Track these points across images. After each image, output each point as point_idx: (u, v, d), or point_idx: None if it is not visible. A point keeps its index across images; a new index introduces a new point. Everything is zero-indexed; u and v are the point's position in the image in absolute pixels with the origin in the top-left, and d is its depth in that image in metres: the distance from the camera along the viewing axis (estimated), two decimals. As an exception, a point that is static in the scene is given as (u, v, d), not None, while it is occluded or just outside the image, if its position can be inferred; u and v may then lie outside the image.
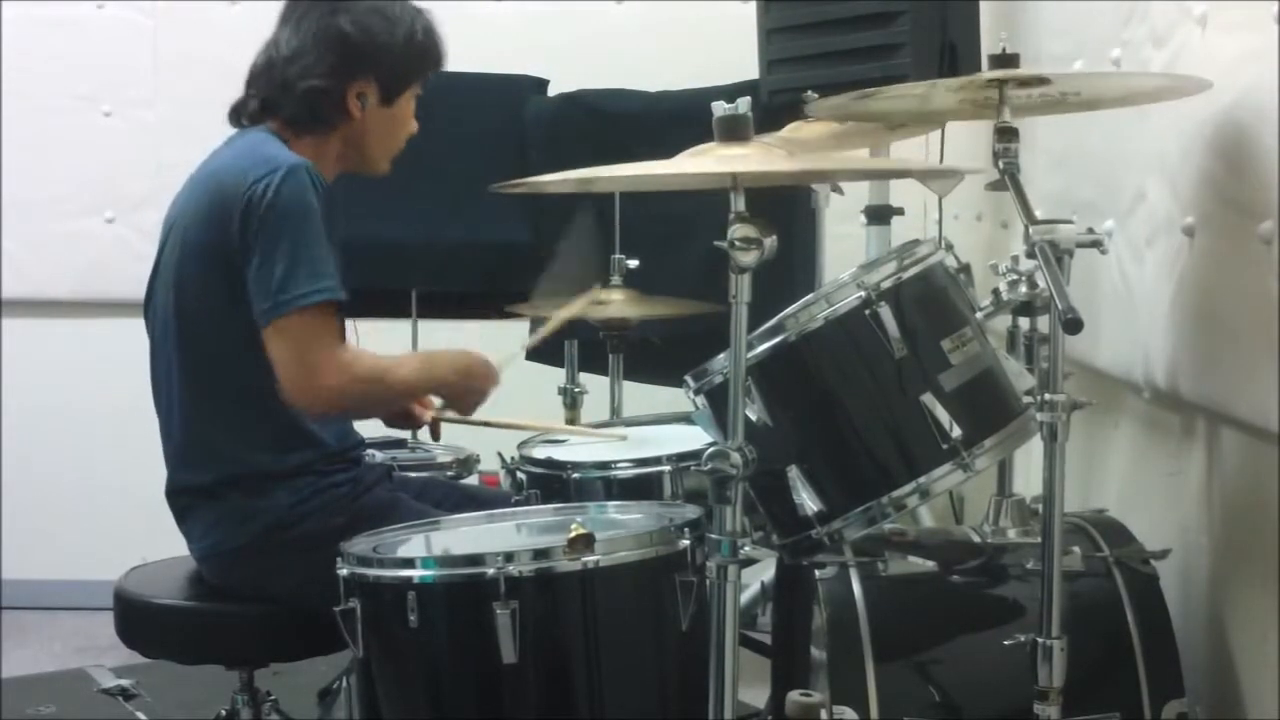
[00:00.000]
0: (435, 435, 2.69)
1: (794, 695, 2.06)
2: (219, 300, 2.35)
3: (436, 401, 2.64)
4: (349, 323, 2.47)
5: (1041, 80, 2.07)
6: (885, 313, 2.09)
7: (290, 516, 2.38)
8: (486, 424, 2.69)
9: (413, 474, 2.89)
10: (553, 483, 2.56)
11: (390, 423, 2.74)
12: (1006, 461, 2.35)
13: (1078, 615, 2.07)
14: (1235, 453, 2.27)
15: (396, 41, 2.47)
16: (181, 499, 2.46)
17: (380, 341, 2.86)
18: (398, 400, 2.54)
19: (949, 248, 2.24)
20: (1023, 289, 2.20)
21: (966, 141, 3.02)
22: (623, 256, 3.12)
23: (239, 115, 2.51)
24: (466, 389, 2.52)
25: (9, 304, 4.62)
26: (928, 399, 2.10)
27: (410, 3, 2.54)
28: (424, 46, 2.52)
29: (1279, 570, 2.07)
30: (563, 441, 2.80)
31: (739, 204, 1.91)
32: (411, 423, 2.70)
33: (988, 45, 3.12)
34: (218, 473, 2.40)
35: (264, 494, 2.38)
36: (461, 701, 2.08)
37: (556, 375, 3.40)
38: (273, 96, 2.46)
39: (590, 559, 2.03)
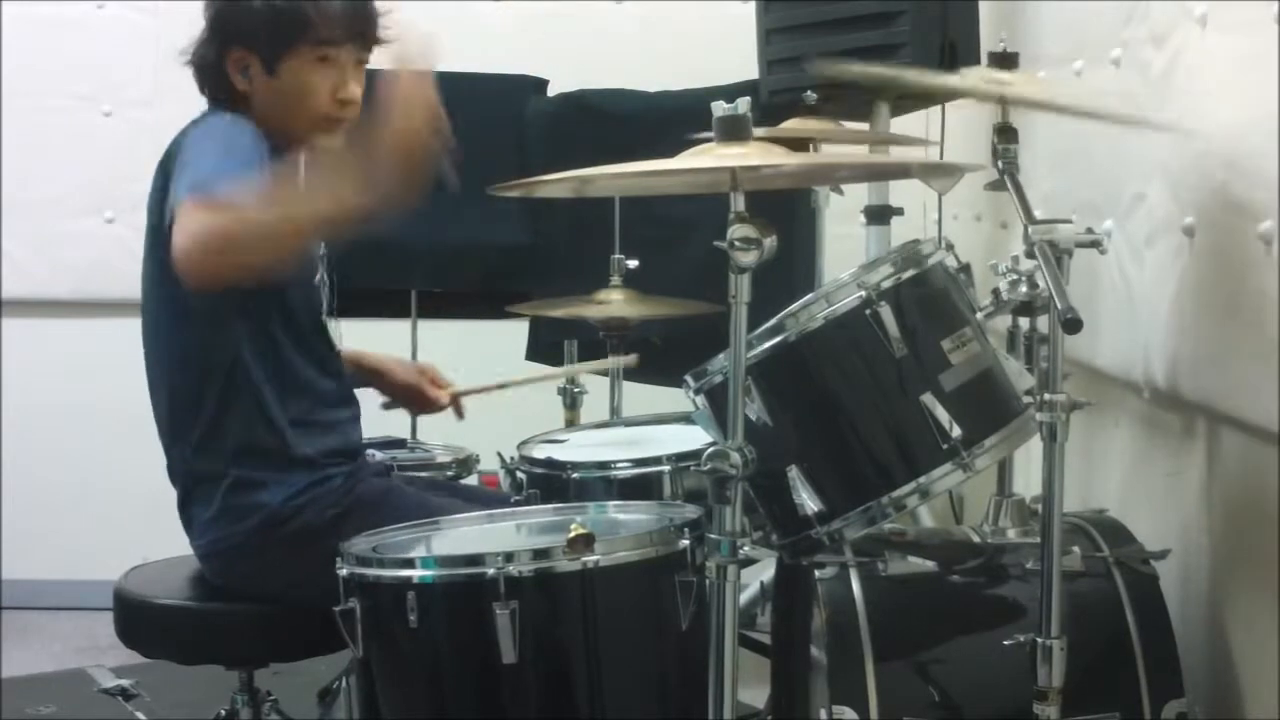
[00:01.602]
0: (459, 413, 2.67)
1: None
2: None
3: (452, 384, 2.61)
4: (334, 322, 2.46)
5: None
6: (885, 313, 2.09)
7: (286, 510, 2.37)
8: (503, 386, 2.66)
9: (412, 474, 2.89)
10: (553, 483, 2.56)
11: (411, 409, 2.74)
12: (1006, 461, 2.35)
13: (1077, 615, 2.07)
14: (1235, 453, 2.27)
15: (259, 7, 2.40)
16: (181, 495, 2.46)
17: (380, 341, 2.88)
18: (305, 229, 2.15)
19: (949, 248, 2.24)
20: (1023, 289, 2.20)
21: (966, 140, 3.03)
22: (622, 256, 3.12)
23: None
24: (386, 188, 2.04)
25: (9, 304, 4.62)
26: (928, 399, 2.10)
27: None
28: (295, 9, 2.39)
29: (1279, 570, 2.07)
30: (563, 441, 2.81)
31: (739, 204, 1.91)
32: (430, 406, 2.70)
33: (988, 45, 3.12)
34: (213, 465, 2.39)
35: (259, 489, 2.38)
36: (461, 701, 2.08)
37: (545, 372, 3.40)
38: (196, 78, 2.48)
39: (590, 559, 2.03)
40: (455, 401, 2.74)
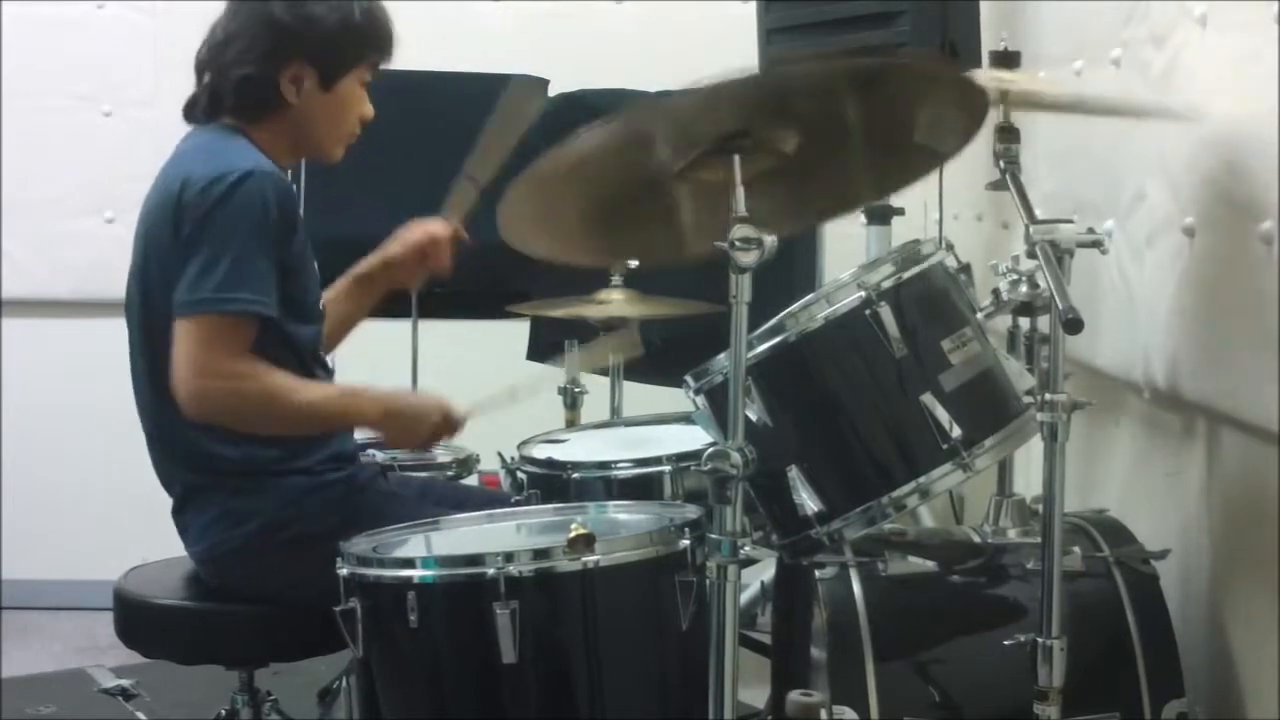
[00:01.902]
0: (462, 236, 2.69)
1: (794, 695, 2.06)
2: None
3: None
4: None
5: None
6: (885, 313, 2.09)
7: (284, 517, 2.37)
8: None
9: (412, 474, 2.89)
10: (553, 483, 2.55)
11: (430, 265, 2.75)
12: (1006, 461, 2.35)
13: (1078, 615, 2.07)
14: (1235, 453, 2.27)
15: (331, 24, 2.41)
16: (174, 502, 2.45)
17: (380, 341, 2.87)
18: (303, 427, 2.41)
19: (949, 248, 2.24)
20: (1023, 289, 2.20)
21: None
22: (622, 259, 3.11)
23: (193, 109, 2.48)
24: (397, 431, 2.46)
25: (9, 304, 4.62)
26: (928, 399, 2.10)
27: None
28: (363, 29, 2.44)
29: (1279, 570, 2.07)
30: (563, 441, 2.80)
31: (739, 204, 1.91)
32: (442, 254, 2.73)
33: (988, 45, 3.12)
34: (208, 473, 2.39)
35: (255, 494, 2.37)
36: (461, 701, 2.08)
37: (556, 375, 3.40)
38: (215, 86, 2.44)
39: (590, 559, 2.03)
40: (456, 232, 2.72)
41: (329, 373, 2.53)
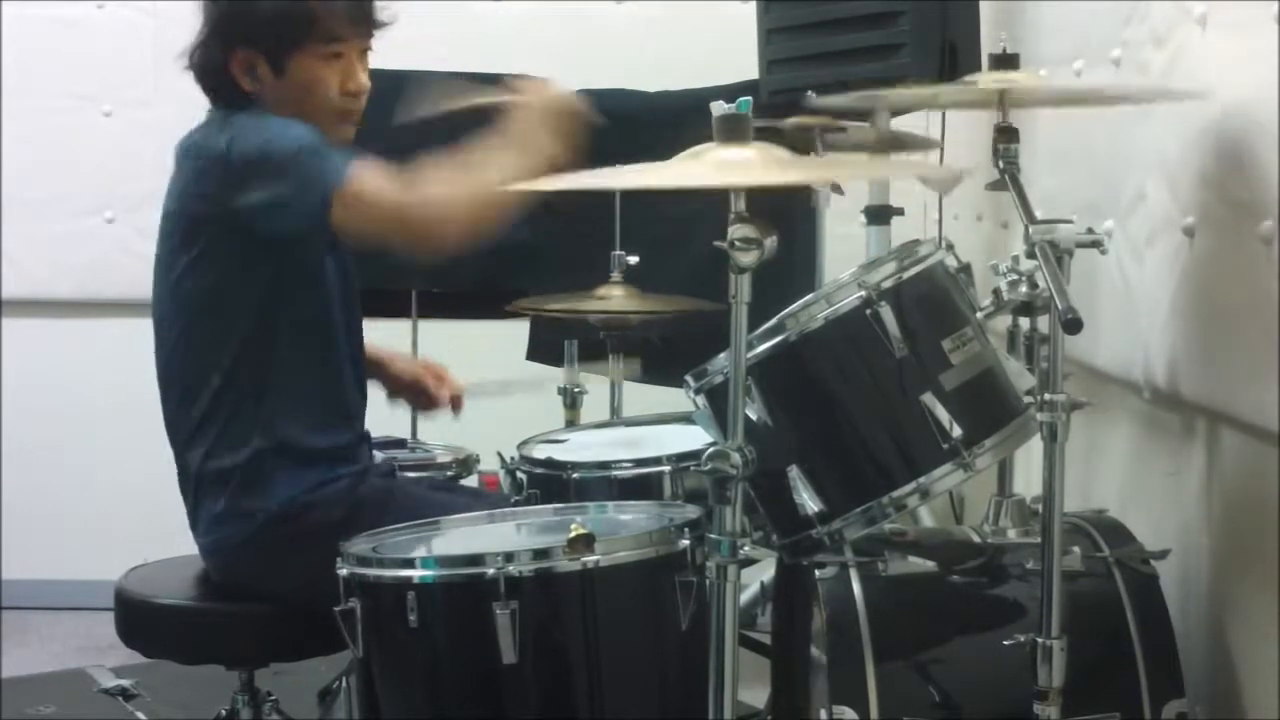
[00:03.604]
0: (456, 409, 2.68)
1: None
2: (213, 282, 2.35)
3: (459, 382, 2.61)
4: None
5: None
6: (885, 313, 2.09)
7: (292, 509, 2.38)
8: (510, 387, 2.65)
9: (413, 474, 2.89)
10: (553, 483, 2.55)
11: (413, 404, 2.75)
12: (1006, 461, 2.35)
13: (1078, 615, 2.07)
14: (1235, 453, 2.27)
15: (266, 7, 2.40)
16: (189, 491, 2.46)
17: (380, 342, 2.87)
18: (496, 195, 2.27)
19: (949, 248, 2.23)
20: (1023, 289, 2.20)
21: (966, 140, 3.02)
22: (623, 254, 3.12)
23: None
24: (541, 137, 2.38)
25: (9, 304, 4.62)
26: (928, 399, 2.10)
27: None
28: (304, 9, 2.40)
29: (1279, 570, 2.07)
30: (563, 441, 2.80)
31: (739, 204, 1.91)
32: (431, 404, 2.71)
33: (988, 45, 3.12)
34: (223, 462, 2.39)
35: (268, 487, 2.38)
36: (461, 701, 2.08)
37: (556, 375, 3.40)
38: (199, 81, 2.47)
39: (590, 559, 2.03)
40: (456, 401, 2.74)
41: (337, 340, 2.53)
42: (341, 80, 2.44)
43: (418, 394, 2.78)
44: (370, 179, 2.28)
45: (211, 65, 2.42)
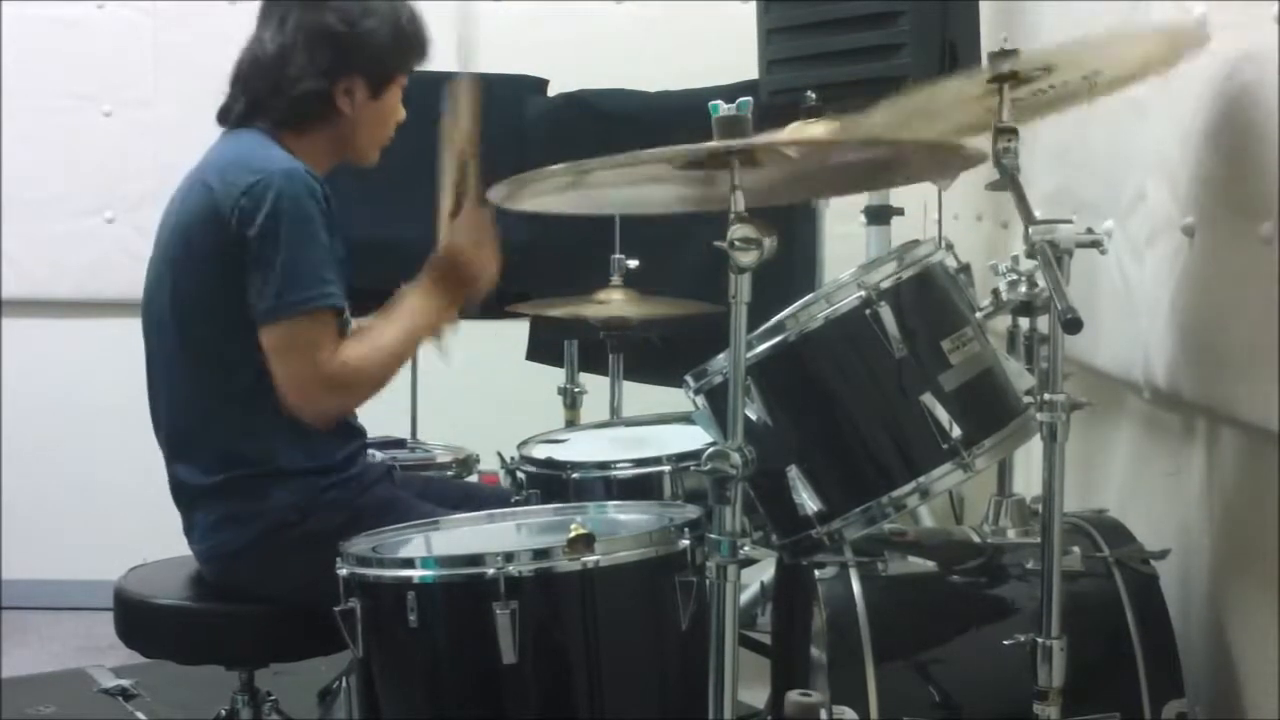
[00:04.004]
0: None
1: (793, 695, 2.06)
2: (218, 297, 2.36)
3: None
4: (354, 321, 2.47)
5: (1045, 69, 2.06)
6: (885, 313, 2.09)
7: (291, 516, 2.38)
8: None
9: (412, 474, 2.89)
10: (553, 483, 2.56)
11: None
12: (1006, 461, 2.35)
13: (1078, 615, 2.07)
14: (1235, 453, 2.27)
15: (383, 35, 2.46)
16: (184, 500, 2.46)
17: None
18: (397, 369, 2.46)
19: (949, 248, 2.23)
20: (1023, 289, 2.20)
21: (967, 140, 3.02)
22: (623, 256, 3.12)
23: (227, 115, 2.51)
24: (457, 290, 2.51)
25: (9, 304, 4.62)
26: (928, 399, 2.10)
27: None
28: (409, 36, 2.51)
29: (1279, 570, 2.07)
30: (563, 441, 2.81)
31: (739, 204, 1.91)
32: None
33: (988, 45, 3.12)
34: (218, 472, 2.40)
35: (265, 495, 2.38)
36: (461, 701, 2.08)
37: (556, 375, 3.40)
38: (262, 98, 2.46)
39: (590, 559, 2.03)
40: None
41: None
42: (400, 110, 2.55)
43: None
44: (322, 334, 2.32)
45: (315, 90, 2.44)
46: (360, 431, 2.56)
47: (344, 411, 2.44)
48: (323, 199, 2.36)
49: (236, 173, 2.35)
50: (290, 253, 2.30)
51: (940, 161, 2.28)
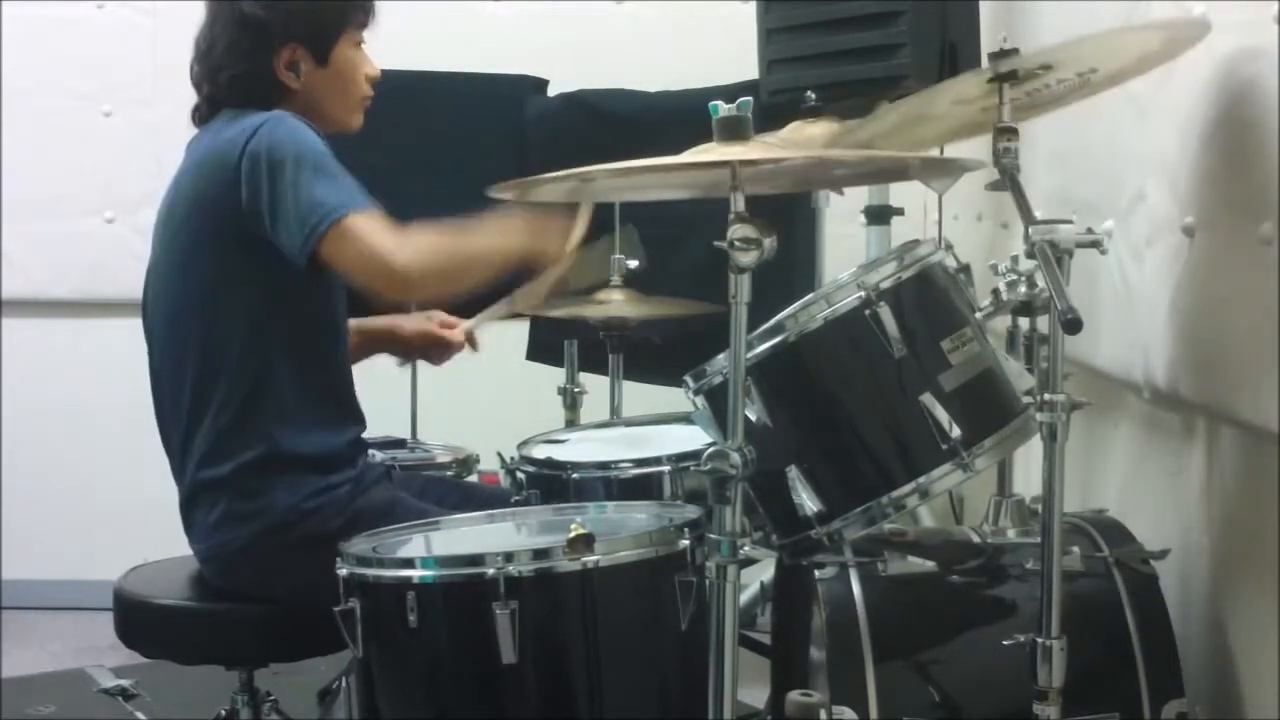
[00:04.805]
0: (474, 346, 2.72)
1: (794, 695, 2.06)
2: (220, 294, 2.35)
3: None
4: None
5: (1044, 67, 2.06)
6: (885, 313, 2.09)
7: (291, 516, 2.38)
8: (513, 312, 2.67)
9: (412, 474, 2.89)
10: (553, 483, 2.56)
11: (430, 358, 2.75)
12: (1006, 461, 2.34)
13: (1077, 615, 2.07)
14: (1235, 453, 2.27)
15: (304, 3, 2.44)
16: (184, 499, 2.46)
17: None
18: (483, 267, 2.42)
19: (949, 248, 2.23)
20: (1022, 289, 2.20)
21: (966, 140, 3.02)
22: (622, 256, 3.12)
23: (197, 116, 2.51)
24: (541, 250, 2.47)
25: (9, 304, 4.63)
26: (927, 399, 2.10)
27: None
28: None
29: (1279, 570, 2.07)
30: (563, 441, 2.80)
31: (739, 204, 1.91)
32: (448, 349, 2.72)
33: (988, 45, 3.12)
34: (219, 465, 2.39)
35: (265, 494, 2.38)
36: (461, 701, 2.08)
37: (556, 375, 3.40)
38: (210, 92, 2.47)
39: (590, 559, 2.03)
40: (470, 337, 2.74)
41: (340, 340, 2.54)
42: (366, 65, 2.52)
43: (432, 346, 2.77)
44: (368, 224, 2.30)
45: (255, 69, 2.43)
46: (361, 432, 2.55)
47: (426, 285, 2.37)
48: (319, 135, 2.37)
49: (227, 144, 2.35)
50: (309, 176, 2.28)
51: (938, 167, 2.29)
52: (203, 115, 2.49)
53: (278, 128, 2.32)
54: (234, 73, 2.43)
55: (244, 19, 2.43)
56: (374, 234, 2.28)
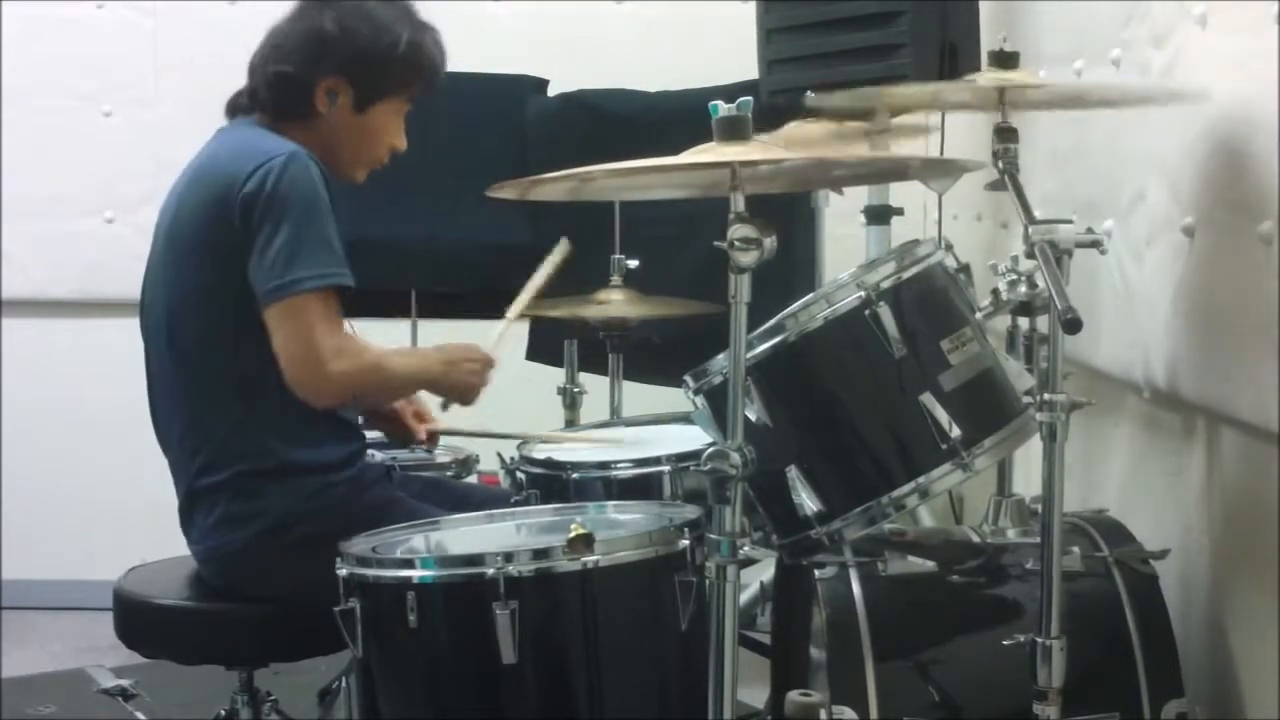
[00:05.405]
0: (433, 443, 2.70)
1: (794, 695, 2.06)
2: (218, 296, 2.35)
3: (436, 407, 2.64)
4: (346, 322, 2.47)
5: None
6: (885, 313, 2.09)
7: (290, 518, 2.38)
8: (485, 435, 2.71)
9: (412, 474, 2.89)
10: (552, 483, 2.55)
11: (390, 437, 2.75)
12: (1006, 461, 2.35)
13: (1077, 615, 2.07)
14: (1235, 453, 2.27)
15: (377, 48, 2.43)
16: (184, 500, 2.46)
17: (380, 341, 2.87)
18: (394, 394, 2.54)
19: (949, 248, 2.23)
20: (1022, 289, 2.20)
21: (966, 140, 3.02)
22: (622, 257, 3.12)
23: (234, 108, 2.51)
24: (458, 381, 2.50)
25: (9, 304, 4.62)
26: (927, 399, 2.10)
27: (417, 17, 2.50)
28: (408, 60, 2.45)
29: (1279, 570, 2.07)
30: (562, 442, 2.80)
31: (739, 204, 1.91)
32: (409, 436, 2.71)
33: (988, 45, 3.12)
34: (218, 472, 2.39)
35: (264, 495, 2.38)
36: (461, 701, 2.08)
37: (556, 375, 3.40)
38: (254, 83, 2.47)
39: (590, 559, 2.03)
40: (432, 436, 2.75)
41: None
42: (394, 136, 2.50)
43: (393, 424, 2.76)
44: (321, 312, 2.30)
45: (294, 78, 2.42)
46: (360, 432, 2.55)
47: (342, 395, 2.38)
48: (327, 179, 2.36)
49: (240, 160, 2.34)
50: (296, 230, 2.28)
51: (938, 167, 2.29)
52: (238, 107, 2.49)
53: (294, 166, 2.31)
54: (281, 70, 2.42)
55: (320, 31, 2.42)
56: (318, 325, 2.30)
